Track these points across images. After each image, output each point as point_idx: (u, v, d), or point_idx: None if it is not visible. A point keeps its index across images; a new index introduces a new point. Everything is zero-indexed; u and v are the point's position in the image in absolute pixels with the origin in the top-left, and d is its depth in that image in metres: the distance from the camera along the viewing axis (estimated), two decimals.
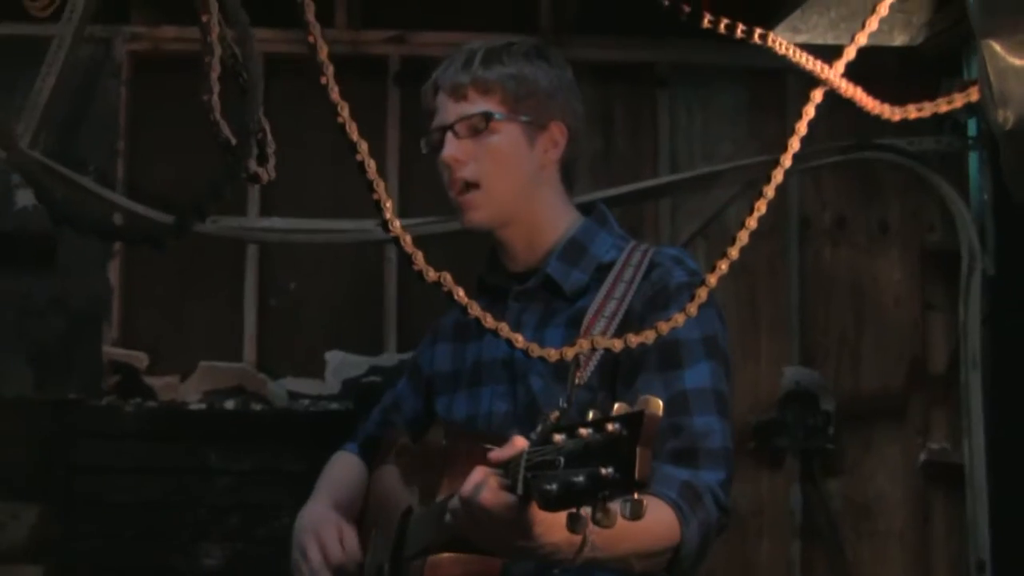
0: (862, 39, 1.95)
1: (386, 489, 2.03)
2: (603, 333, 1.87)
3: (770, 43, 1.89)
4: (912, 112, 2.13)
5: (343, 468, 2.20)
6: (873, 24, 1.95)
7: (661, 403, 1.34)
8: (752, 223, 1.85)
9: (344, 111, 1.63)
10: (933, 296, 3.69)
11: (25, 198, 3.53)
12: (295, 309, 3.76)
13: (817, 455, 3.65)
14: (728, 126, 3.73)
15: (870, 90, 2.06)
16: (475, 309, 1.68)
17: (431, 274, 1.67)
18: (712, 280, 1.82)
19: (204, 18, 1.72)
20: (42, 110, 2.38)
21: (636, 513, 1.32)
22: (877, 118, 2.09)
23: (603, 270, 1.96)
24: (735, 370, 3.83)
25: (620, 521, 1.56)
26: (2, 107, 2.75)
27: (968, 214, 3.28)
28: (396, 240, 1.65)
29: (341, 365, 3.71)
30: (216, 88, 1.76)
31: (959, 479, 3.36)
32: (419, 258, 1.67)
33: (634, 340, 1.74)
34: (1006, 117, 1.89)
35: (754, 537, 3.68)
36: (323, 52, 1.61)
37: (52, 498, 3.58)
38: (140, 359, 3.67)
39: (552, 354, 1.69)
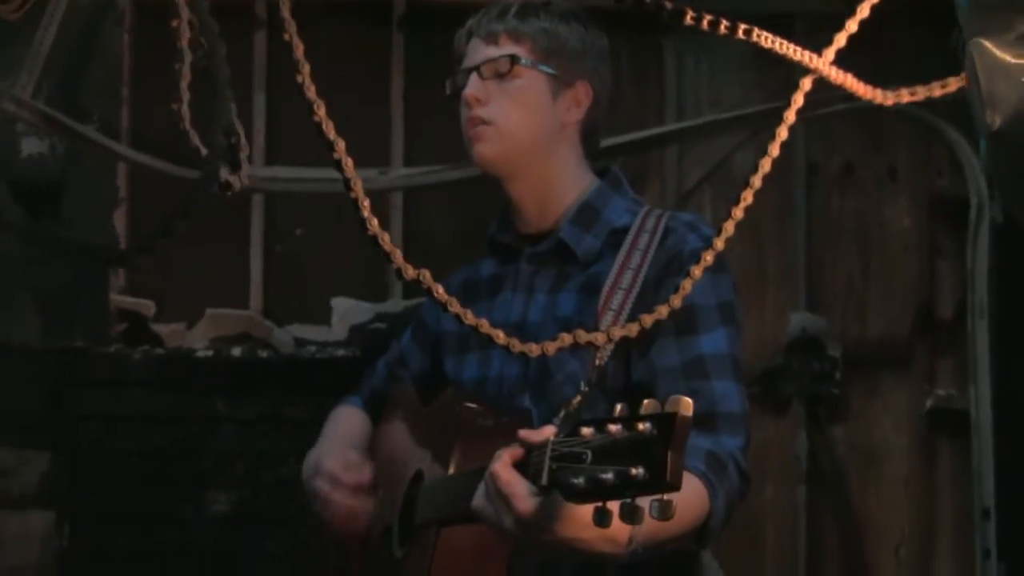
0: (852, 26, 1.93)
1: (394, 448, 2.03)
2: (620, 307, 1.87)
3: (755, 38, 1.87)
4: (905, 96, 2.11)
5: (347, 420, 2.20)
6: (864, 11, 1.92)
7: (692, 403, 1.33)
8: (757, 182, 1.85)
9: (304, 70, 1.63)
10: (941, 243, 3.68)
11: (31, 146, 3.52)
12: (301, 255, 3.76)
13: (823, 401, 3.65)
14: (735, 72, 3.70)
15: (879, 36, 2.04)
16: (455, 306, 1.70)
17: (410, 271, 1.68)
18: (719, 243, 1.82)
19: (174, 23, 1.71)
20: (44, 60, 2.37)
21: (666, 514, 1.32)
22: (887, 64, 2.07)
23: (616, 235, 1.95)
24: (743, 315, 3.88)
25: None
26: (4, 57, 2.74)
27: (976, 162, 3.25)
28: (368, 229, 1.65)
29: (347, 311, 3.72)
30: (186, 96, 1.75)
31: (965, 426, 3.37)
32: (397, 256, 1.68)
33: (648, 320, 1.75)
34: (994, 118, 1.85)
35: (759, 483, 3.69)
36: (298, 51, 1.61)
37: (60, 445, 3.61)
38: (147, 307, 3.68)
39: (533, 349, 1.70)
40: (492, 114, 1.96)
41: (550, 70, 1.98)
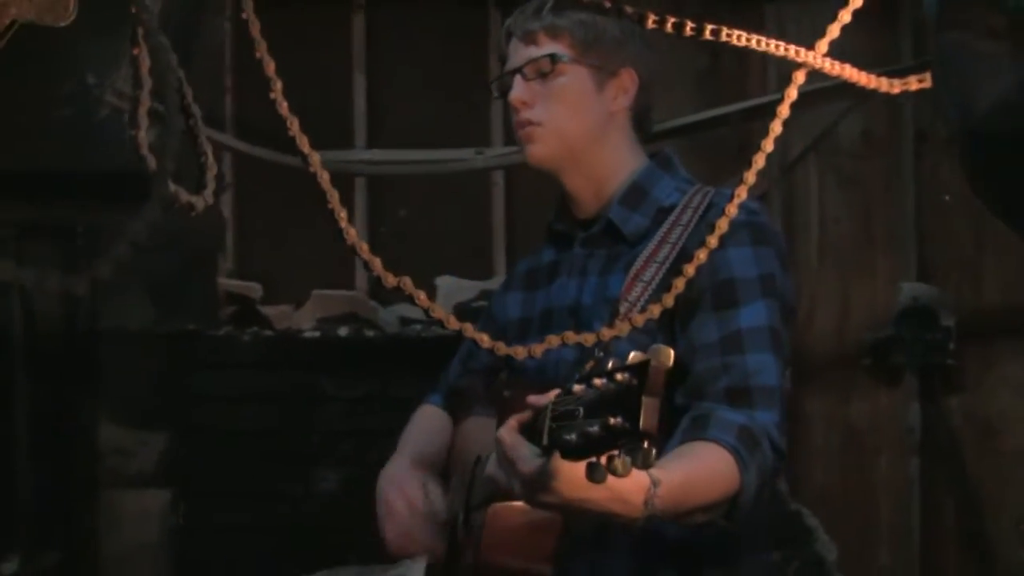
0: (846, 16, 1.87)
1: (466, 440, 2.05)
2: (652, 279, 1.86)
3: (723, 38, 1.82)
4: (913, 84, 2.04)
5: (425, 423, 2.21)
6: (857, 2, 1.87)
7: (672, 352, 1.33)
8: (751, 178, 1.82)
9: (261, 48, 1.64)
10: None
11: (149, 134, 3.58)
12: (405, 235, 3.79)
13: (936, 372, 3.58)
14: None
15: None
16: (438, 312, 1.71)
17: (390, 279, 1.68)
18: (732, 209, 1.80)
19: (135, 51, 1.72)
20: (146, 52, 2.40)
21: (644, 462, 1.32)
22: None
23: (664, 214, 1.93)
24: (851, 285, 3.86)
25: (679, 483, 1.56)
26: (106, 49, 2.79)
27: None
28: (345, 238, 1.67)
29: (452, 290, 3.74)
30: (144, 123, 1.76)
31: None
32: (377, 264, 1.69)
33: (669, 300, 1.74)
34: (966, 115, 1.75)
35: (872, 455, 3.64)
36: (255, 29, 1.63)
37: (175, 426, 3.69)
38: (254, 290, 3.74)
39: (519, 352, 1.71)
40: (539, 115, 1.95)
41: (592, 62, 1.96)
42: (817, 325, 3.68)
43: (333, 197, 1.76)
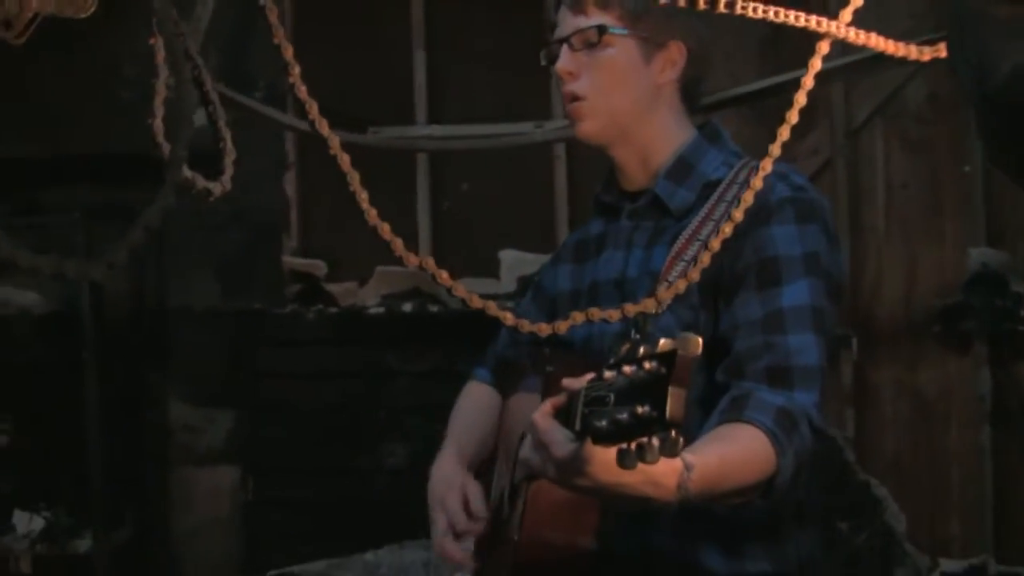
0: None
1: (514, 414, 2.05)
2: (694, 257, 1.84)
3: (738, 11, 1.78)
4: (943, 51, 1.99)
5: (472, 405, 2.21)
6: None
7: (699, 341, 1.32)
8: (776, 150, 1.79)
9: (279, 34, 1.66)
10: None
11: (201, 117, 3.61)
12: (468, 210, 3.79)
13: (1007, 338, 3.53)
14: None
15: None
16: (460, 290, 1.73)
17: (412, 259, 1.67)
18: (757, 182, 1.78)
19: (152, 41, 1.73)
20: (204, 31, 2.42)
21: (671, 451, 1.33)
22: None
23: (710, 188, 1.91)
24: (918, 251, 3.81)
25: (715, 466, 1.55)
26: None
27: None
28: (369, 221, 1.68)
29: (515, 263, 3.74)
30: (160, 112, 1.77)
31: None
32: (398, 245, 1.71)
33: (695, 275, 1.74)
34: (985, 81, 1.70)
35: (942, 423, 3.60)
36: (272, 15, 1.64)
37: (243, 403, 3.73)
38: (319, 267, 3.77)
39: (543, 329, 1.69)
40: (585, 88, 1.93)
41: (641, 34, 1.94)
42: (885, 292, 3.64)
43: (354, 179, 1.77)
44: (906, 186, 3.64)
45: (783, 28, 1.92)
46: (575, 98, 1.92)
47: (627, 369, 1.37)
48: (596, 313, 1.76)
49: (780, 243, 1.78)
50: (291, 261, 3.77)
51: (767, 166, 1.80)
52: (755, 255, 1.79)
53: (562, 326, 1.75)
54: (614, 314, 1.77)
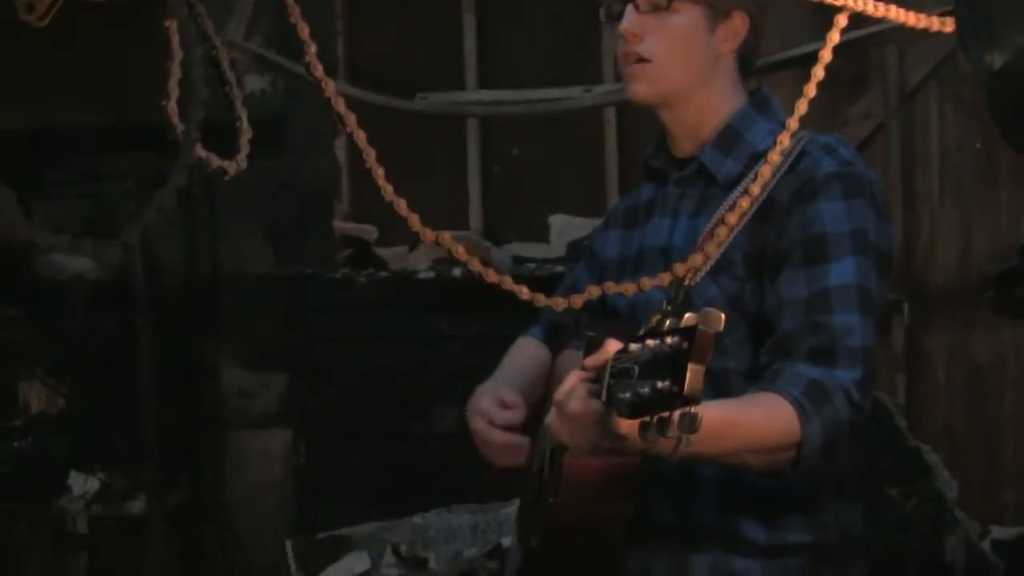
0: None
1: (562, 374, 2.05)
2: (735, 226, 1.84)
3: None
4: None
5: (521, 353, 2.21)
6: None
7: (722, 316, 1.33)
8: (794, 124, 1.78)
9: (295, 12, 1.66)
10: None
11: (253, 83, 3.64)
12: (518, 175, 3.79)
13: None
14: None
15: None
16: (475, 264, 1.79)
17: (428, 235, 1.68)
18: (784, 139, 1.77)
19: (167, 24, 1.74)
20: (254, 1, 2.44)
21: (689, 427, 1.34)
22: None
23: (756, 158, 1.89)
24: (973, 217, 3.77)
25: (719, 419, 1.55)
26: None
27: None
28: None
29: (565, 228, 3.74)
30: (175, 94, 1.78)
31: None
32: (415, 221, 1.71)
33: (712, 249, 1.75)
34: (994, 57, 1.66)
35: (996, 390, 3.56)
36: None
37: (296, 368, 3.77)
38: (370, 232, 3.78)
39: (559, 303, 1.69)
40: (649, 51, 1.91)
41: (707, 2, 1.92)
42: (938, 258, 3.61)
43: (370, 156, 1.79)
44: (961, 151, 3.60)
45: None
46: (638, 59, 1.91)
47: (651, 343, 1.38)
48: (611, 286, 1.77)
49: (827, 219, 1.76)
50: (342, 226, 3.79)
51: (784, 140, 1.79)
52: (801, 231, 1.78)
53: (577, 300, 1.76)
54: (629, 287, 1.78)
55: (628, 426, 1.47)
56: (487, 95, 3.59)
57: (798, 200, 1.80)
